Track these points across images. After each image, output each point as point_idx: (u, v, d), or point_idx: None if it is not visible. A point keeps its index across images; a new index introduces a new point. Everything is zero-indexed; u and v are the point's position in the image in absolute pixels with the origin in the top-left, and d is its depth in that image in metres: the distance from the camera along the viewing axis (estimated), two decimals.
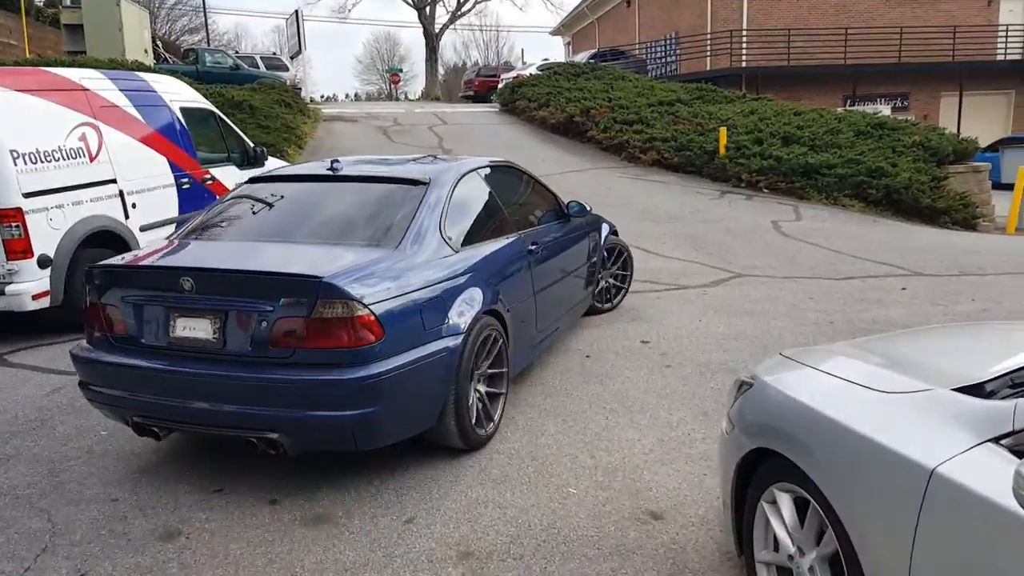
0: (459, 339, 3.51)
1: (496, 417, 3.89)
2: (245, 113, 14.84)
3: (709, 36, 24.76)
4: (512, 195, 4.94)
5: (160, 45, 26.26)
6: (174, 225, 6.77)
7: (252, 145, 8.57)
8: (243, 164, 8.13)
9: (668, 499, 3.23)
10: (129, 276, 3.48)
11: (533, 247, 4.58)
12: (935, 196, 11.99)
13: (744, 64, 24.29)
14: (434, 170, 4.20)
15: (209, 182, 7.56)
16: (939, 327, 3.53)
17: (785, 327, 5.84)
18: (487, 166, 4.71)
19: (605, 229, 6.18)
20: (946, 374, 2.03)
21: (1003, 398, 1.84)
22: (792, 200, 12.54)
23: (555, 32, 44.25)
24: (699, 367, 4.93)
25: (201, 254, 3.69)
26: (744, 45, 24.40)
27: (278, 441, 3.12)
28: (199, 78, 18.10)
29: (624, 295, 6.51)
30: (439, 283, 3.54)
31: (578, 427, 4.02)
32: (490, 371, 3.87)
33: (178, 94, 7.58)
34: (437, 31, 32.14)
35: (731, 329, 5.80)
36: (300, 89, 21.26)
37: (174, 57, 25.37)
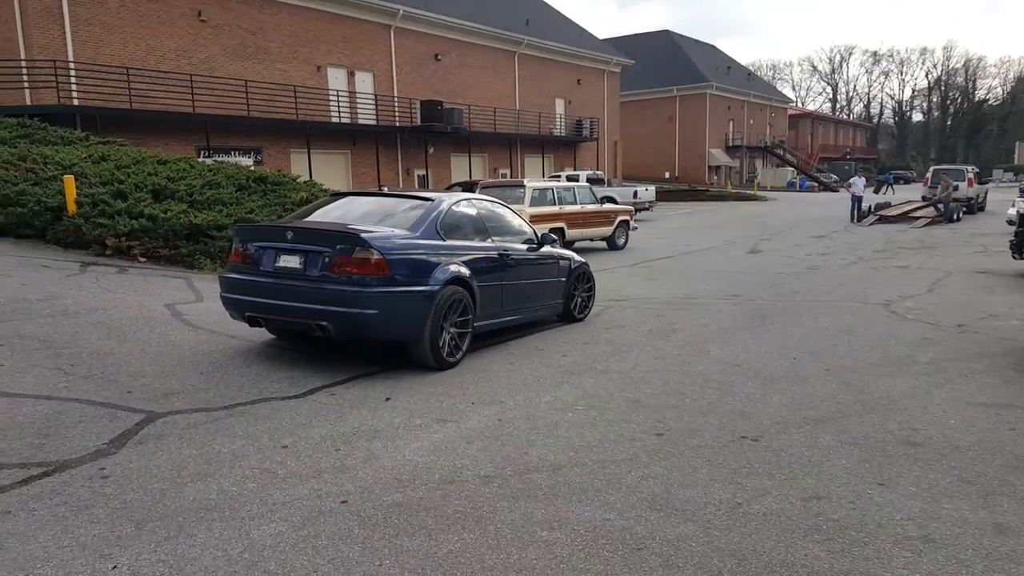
0: (437, 287, 5.97)
1: (459, 355, 6.28)
2: None
3: (25, 64, 19.61)
4: (496, 220, 7.45)
5: None
6: None
7: None
8: None
9: None
10: (257, 230, 6.22)
11: (505, 253, 7.09)
12: None
13: (77, 102, 19.95)
14: (440, 195, 6.91)
15: None
16: None
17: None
18: (481, 199, 7.49)
19: (577, 259, 8.57)
20: None
21: None
22: (181, 271, 9.75)
23: None
24: None
25: (299, 222, 6.38)
26: (74, 80, 20.06)
27: (327, 327, 5.54)
28: None
29: (590, 310, 8.75)
30: (428, 253, 6.08)
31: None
32: (459, 319, 6.29)
33: None
34: None
35: None
36: None
37: None
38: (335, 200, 7.08)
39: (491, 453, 4.23)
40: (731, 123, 57.99)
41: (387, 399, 5.25)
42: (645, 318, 8.64)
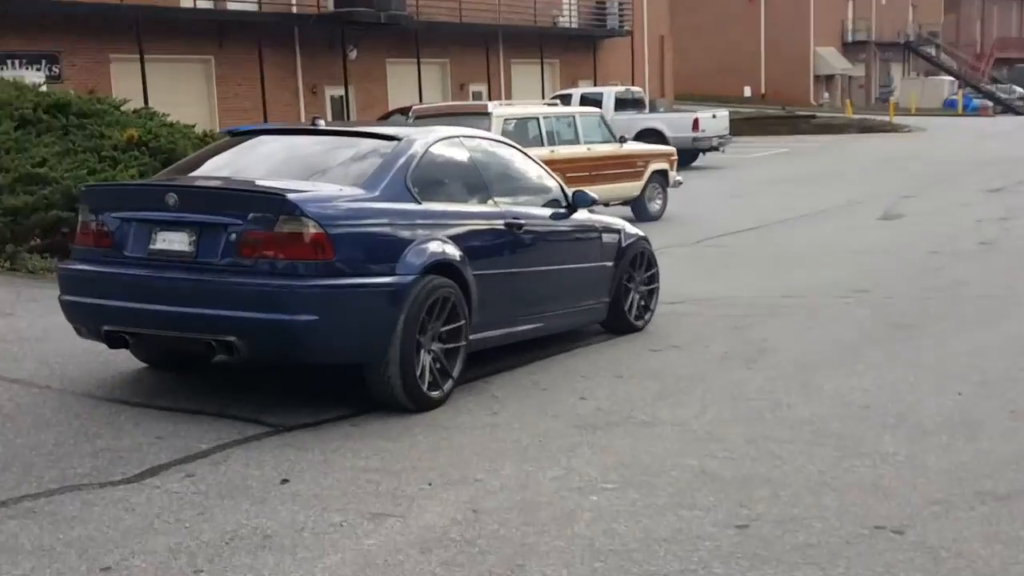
0: (409, 278, 6.21)
1: (447, 386, 6.61)
2: None
3: None
4: (502, 169, 8.06)
5: None
6: None
7: None
8: None
9: None
10: (119, 193, 6.88)
11: (516, 222, 7.43)
12: None
13: None
14: (411, 130, 7.49)
15: None
16: None
17: None
18: (476, 135, 8.19)
19: (630, 230, 9.26)
20: None
21: None
22: None
23: None
24: None
25: (187, 178, 6.90)
26: None
27: (235, 344, 5.78)
28: None
29: (652, 313, 9.22)
30: (395, 224, 6.41)
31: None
32: (445, 328, 6.58)
33: None
34: None
35: None
36: None
37: None
38: (239, 143, 7.48)
39: (462, 571, 4.23)
40: (850, 5, 58.40)
41: (283, 481, 5.23)
42: (715, 331, 8.79)
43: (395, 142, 6.92)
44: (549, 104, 24.72)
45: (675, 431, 6.07)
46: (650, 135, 24.73)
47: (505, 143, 8.44)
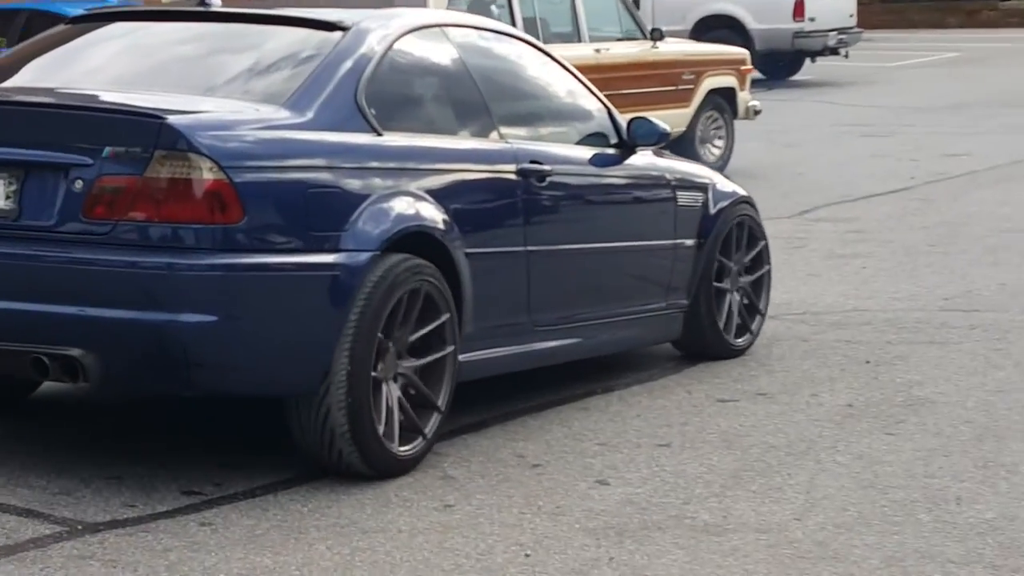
0: (363, 257, 5.68)
1: (422, 436, 6.01)
2: None
3: None
4: (510, 81, 7.63)
5: None
6: None
7: None
8: None
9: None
10: None
11: (535, 168, 6.90)
12: None
13: None
14: (361, 15, 6.86)
15: None
16: None
17: None
18: (464, 25, 7.65)
19: (724, 186, 8.86)
20: None
21: None
22: None
23: None
24: None
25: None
26: None
27: (79, 363, 5.14)
28: None
29: (759, 325, 8.87)
30: (338, 169, 5.89)
31: None
32: (420, 339, 6.09)
33: None
34: None
35: None
36: None
37: None
38: (84, 34, 7.24)
39: None
40: None
41: None
42: (830, 368, 8.46)
43: (338, 33, 6.38)
44: None
45: (762, 541, 5.27)
46: (719, 26, 23.51)
47: (517, 36, 8.09)
